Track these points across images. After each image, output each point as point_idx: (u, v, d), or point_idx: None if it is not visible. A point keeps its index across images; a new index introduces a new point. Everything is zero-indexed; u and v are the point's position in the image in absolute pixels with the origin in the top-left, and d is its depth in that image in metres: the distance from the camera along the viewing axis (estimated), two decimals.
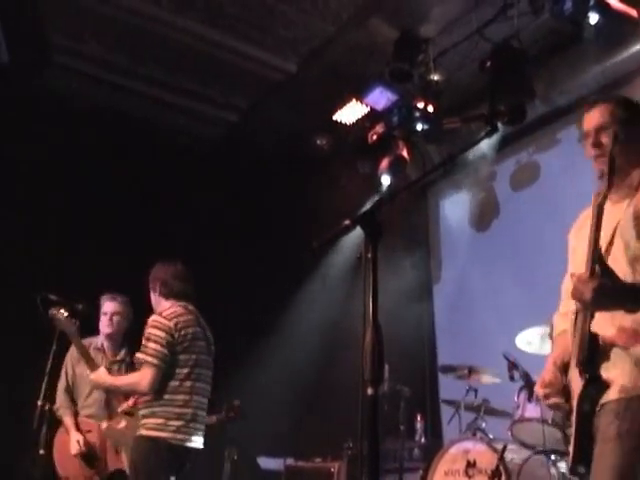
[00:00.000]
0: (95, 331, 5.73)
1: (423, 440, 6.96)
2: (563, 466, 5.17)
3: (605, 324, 2.68)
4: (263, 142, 8.66)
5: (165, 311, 4.77)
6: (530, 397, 5.34)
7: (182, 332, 4.67)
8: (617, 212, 2.82)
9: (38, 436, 5.23)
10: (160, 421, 4.56)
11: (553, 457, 5.15)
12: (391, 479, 6.33)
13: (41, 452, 5.20)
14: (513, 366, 5.55)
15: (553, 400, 2.85)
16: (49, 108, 7.46)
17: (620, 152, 2.80)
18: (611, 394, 2.62)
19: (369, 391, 2.16)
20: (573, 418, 2.68)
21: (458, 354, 7.31)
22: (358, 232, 2.33)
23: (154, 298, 4.96)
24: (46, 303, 5.29)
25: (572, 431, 2.67)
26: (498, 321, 7.26)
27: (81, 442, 5.31)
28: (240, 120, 8.83)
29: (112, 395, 5.27)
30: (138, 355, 4.67)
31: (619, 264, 2.68)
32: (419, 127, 7.49)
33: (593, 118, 2.93)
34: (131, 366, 5.40)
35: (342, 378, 5.45)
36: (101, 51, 7.73)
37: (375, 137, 7.98)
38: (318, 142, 8.44)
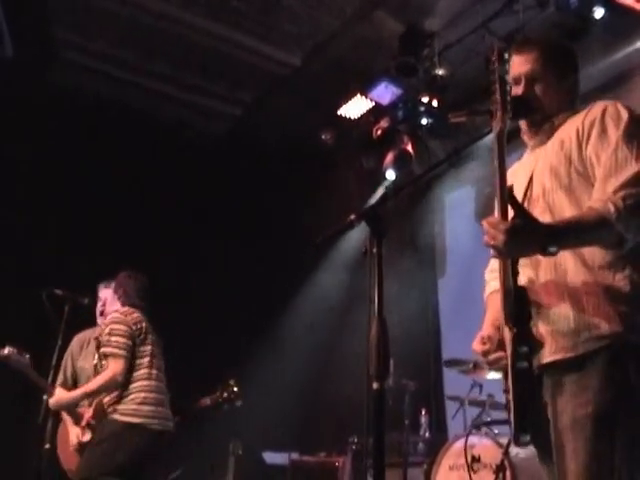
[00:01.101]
0: (92, 324, 5.78)
1: (427, 435, 6.95)
2: None
3: (530, 273, 2.52)
4: (267, 136, 8.65)
5: (120, 309, 5.14)
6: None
7: (138, 325, 5.02)
8: (535, 160, 2.73)
9: (44, 430, 5.26)
10: (133, 407, 4.79)
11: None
12: (395, 473, 6.32)
13: (47, 446, 5.23)
14: None
15: (494, 356, 2.52)
16: (53, 103, 7.46)
17: (546, 100, 2.72)
18: (545, 355, 2.42)
19: (374, 385, 2.16)
20: (509, 382, 2.38)
21: (463, 349, 7.25)
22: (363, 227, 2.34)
23: (112, 298, 5.37)
24: (52, 298, 5.33)
25: (510, 396, 2.38)
26: None
27: (80, 435, 5.33)
28: (245, 114, 8.83)
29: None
30: (104, 350, 4.92)
31: (537, 204, 2.58)
32: (424, 122, 7.49)
33: (520, 65, 2.79)
34: None
35: (347, 373, 5.46)
36: (106, 46, 7.74)
37: (380, 132, 7.96)
38: (323, 137, 8.43)
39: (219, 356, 7.44)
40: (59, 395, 5.21)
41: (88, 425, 5.18)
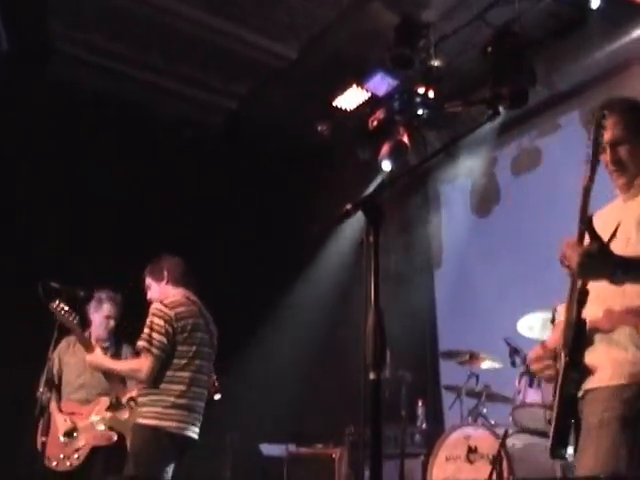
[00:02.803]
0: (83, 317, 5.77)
1: (424, 426, 6.97)
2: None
3: (597, 309, 2.70)
4: (264, 128, 8.63)
5: (167, 299, 4.79)
6: (531, 382, 5.35)
7: (182, 322, 4.68)
8: (625, 210, 2.87)
9: (39, 424, 5.27)
10: (158, 409, 4.57)
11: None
12: (392, 465, 6.34)
13: (43, 439, 5.24)
14: (514, 351, 5.56)
15: (547, 373, 2.86)
16: (49, 96, 7.43)
17: (631, 160, 2.89)
18: (594, 381, 2.65)
19: (371, 376, 2.16)
20: (555, 401, 2.69)
21: (459, 340, 7.31)
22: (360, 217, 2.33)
23: (159, 287, 4.97)
24: (47, 290, 5.31)
25: (554, 414, 2.68)
26: (499, 306, 7.26)
27: (68, 420, 5.40)
28: (240, 107, 8.81)
29: (110, 380, 5.33)
30: (139, 343, 4.65)
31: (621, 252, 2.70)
32: (420, 112, 7.48)
33: (609, 132, 2.91)
34: (116, 355, 5.58)
35: (344, 364, 5.46)
36: (102, 39, 7.71)
37: (376, 123, 7.95)
38: (319, 128, 8.41)
39: (218, 344, 7.44)
40: (97, 355, 5.08)
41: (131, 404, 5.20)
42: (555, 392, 2.70)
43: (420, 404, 7.04)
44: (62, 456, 5.32)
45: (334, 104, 8.09)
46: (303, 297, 8.52)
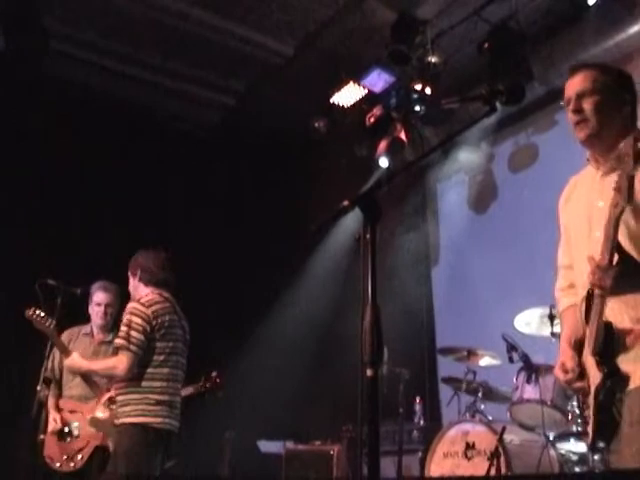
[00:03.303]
0: (85, 314, 5.76)
1: (422, 422, 6.98)
2: (562, 447, 5.20)
3: (619, 311, 2.68)
4: (260, 125, 8.63)
5: (142, 298, 4.84)
6: (529, 379, 5.35)
7: (159, 320, 4.74)
8: (608, 185, 2.75)
9: (37, 421, 5.26)
10: (144, 407, 4.62)
11: (552, 438, 5.18)
12: (390, 461, 6.34)
13: (41, 437, 5.23)
14: (512, 347, 5.56)
15: (576, 386, 2.85)
16: (45, 94, 7.43)
17: (603, 122, 2.79)
18: (632, 384, 2.63)
19: (368, 373, 2.15)
20: (590, 402, 2.72)
21: (457, 336, 7.31)
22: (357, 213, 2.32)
23: (133, 283, 5.03)
24: (45, 288, 5.31)
25: (590, 414, 2.71)
26: (497, 302, 7.26)
27: (58, 420, 5.36)
28: (237, 103, 8.81)
29: (91, 380, 5.33)
30: (117, 341, 4.72)
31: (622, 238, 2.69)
32: (417, 109, 7.48)
33: (575, 84, 2.88)
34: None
35: (341, 360, 5.46)
36: (98, 37, 7.71)
37: (373, 119, 7.95)
38: (316, 125, 8.41)
39: (214, 346, 7.44)
40: (74, 359, 5.09)
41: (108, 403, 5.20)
42: (589, 391, 2.75)
43: (418, 401, 7.04)
44: (65, 457, 5.28)
45: (331, 101, 8.09)
46: (300, 294, 8.52)
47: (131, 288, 5.05)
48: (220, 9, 7.39)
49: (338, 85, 7.93)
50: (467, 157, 8.26)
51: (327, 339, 8.18)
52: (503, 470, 5.02)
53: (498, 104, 2.64)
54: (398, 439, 6.46)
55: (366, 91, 7.90)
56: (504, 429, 5.19)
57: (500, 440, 5.11)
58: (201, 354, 7.37)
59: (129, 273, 5.06)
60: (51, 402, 5.49)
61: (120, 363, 4.63)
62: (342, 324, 7.01)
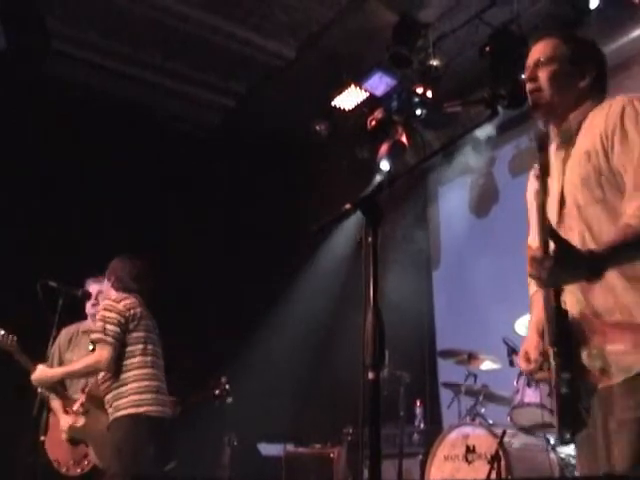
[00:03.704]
0: (86, 316, 5.77)
1: (422, 425, 6.97)
2: (562, 451, 5.19)
3: (574, 300, 2.56)
4: (261, 127, 8.64)
5: (113, 296, 5.03)
6: (529, 382, 5.34)
7: (131, 312, 4.90)
8: (557, 161, 2.70)
9: (38, 422, 5.25)
10: (132, 397, 4.71)
11: (552, 442, 5.17)
12: (391, 464, 6.33)
13: (42, 438, 5.22)
14: (513, 351, 5.55)
15: (538, 376, 2.69)
16: (45, 94, 7.43)
17: (558, 93, 2.69)
18: (598, 382, 2.50)
19: (370, 375, 2.15)
20: (553, 393, 2.54)
21: (458, 340, 7.31)
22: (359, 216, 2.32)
23: (106, 286, 5.22)
24: (46, 290, 5.32)
25: (554, 404, 2.53)
26: (497, 306, 7.25)
27: (73, 422, 5.29)
28: (238, 105, 8.82)
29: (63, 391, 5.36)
30: (93, 336, 4.85)
31: (574, 220, 2.59)
32: (418, 112, 7.48)
33: (535, 52, 2.77)
34: None
35: (342, 363, 5.45)
36: (99, 37, 7.71)
37: (374, 123, 7.96)
38: (317, 128, 8.42)
39: (212, 347, 7.44)
40: (41, 371, 5.09)
41: (82, 410, 5.18)
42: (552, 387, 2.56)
43: (418, 404, 7.03)
44: (72, 462, 5.26)
45: (332, 104, 8.09)
46: (301, 297, 8.52)
47: (104, 288, 5.29)
48: (221, 10, 7.40)
49: (339, 88, 7.93)
50: (468, 161, 8.25)
51: (328, 342, 8.17)
52: (503, 474, 5.01)
53: (500, 108, 2.63)
54: (399, 442, 6.45)
55: (367, 94, 7.91)
56: (504, 433, 5.18)
57: (500, 444, 5.10)
58: (201, 356, 7.42)
59: (105, 275, 5.23)
60: (57, 405, 5.42)
61: (101, 356, 4.74)
62: (343, 327, 7.02)
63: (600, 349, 2.50)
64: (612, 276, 2.47)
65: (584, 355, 2.51)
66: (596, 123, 2.60)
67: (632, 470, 2.35)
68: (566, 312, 2.52)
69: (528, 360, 2.72)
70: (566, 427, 2.49)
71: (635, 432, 2.37)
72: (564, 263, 2.36)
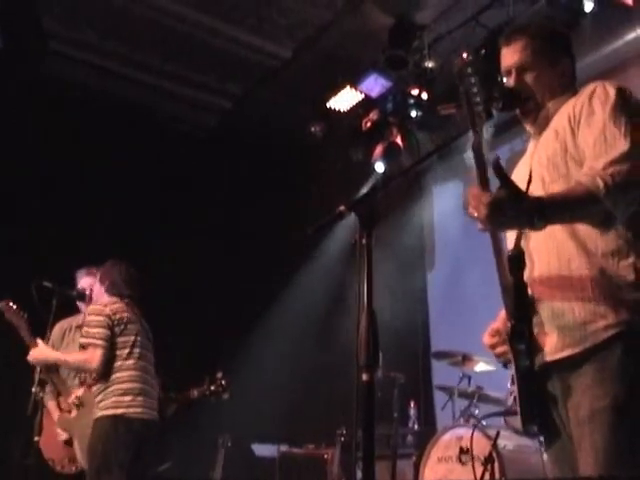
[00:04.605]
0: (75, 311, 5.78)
1: (416, 427, 6.97)
2: None
3: (530, 266, 2.50)
4: (257, 128, 8.64)
5: (100, 300, 5.11)
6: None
7: (117, 316, 4.96)
8: (535, 150, 2.70)
9: (32, 423, 5.24)
10: (113, 399, 4.77)
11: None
12: (384, 466, 6.34)
13: (36, 439, 5.21)
14: None
15: (499, 350, 2.63)
16: (44, 95, 7.43)
17: (546, 92, 2.69)
18: (553, 350, 2.42)
19: (364, 377, 2.16)
20: (514, 374, 2.52)
21: (452, 341, 7.30)
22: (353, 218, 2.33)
23: (98, 290, 5.26)
24: (40, 290, 5.32)
25: (516, 389, 2.51)
26: (492, 308, 7.24)
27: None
28: (234, 107, 8.82)
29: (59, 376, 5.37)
30: (82, 340, 4.94)
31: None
32: (413, 114, 7.49)
33: (509, 57, 2.75)
34: None
35: (336, 365, 5.46)
36: (96, 38, 7.71)
37: (369, 124, 7.96)
38: (312, 129, 8.42)
39: (208, 348, 7.44)
40: (41, 348, 5.17)
41: (77, 402, 5.18)
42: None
43: (412, 405, 7.03)
44: (67, 460, 5.27)
45: (328, 105, 8.09)
46: (295, 298, 8.51)
47: (94, 290, 5.33)
48: (218, 12, 7.40)
49: (335, 89, 7.93)
50: (463, 162, 8.25)
51: (322, 343, 8.17)
52: (497, 475, 5.02)
53: (494, 110, 2.63)
54: (392, 443, 6.45)
55: (363, 96, 7.91)
56: (498, 434, 5.19)
57: (494, 445, 5.11)
58: (198, 355, 7.41)
59: (98, 277, 5.27)
60: (52, 405, 5.43)
61: (93, 357, 4.81)
62: (337, 328, 7.02)
63: (549, 313, 2.45)
64: (568, 244, 2.44)
65: (535, 322, 2.46)
66: (568, 106, 2.61)
67: (605, 461, 2.26)
68: (523, 284, 2.46)
69: (492, 334, 2.68)
70: (531, 422, 2.46)
71: (608, 421, 2.28)
72: (506, 202, 2.23)
